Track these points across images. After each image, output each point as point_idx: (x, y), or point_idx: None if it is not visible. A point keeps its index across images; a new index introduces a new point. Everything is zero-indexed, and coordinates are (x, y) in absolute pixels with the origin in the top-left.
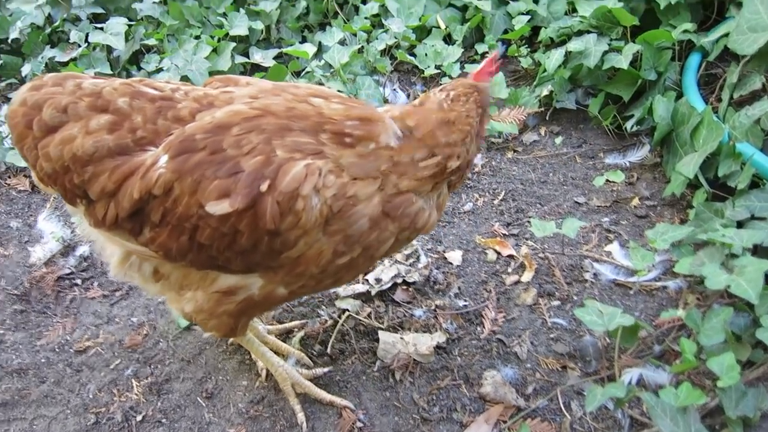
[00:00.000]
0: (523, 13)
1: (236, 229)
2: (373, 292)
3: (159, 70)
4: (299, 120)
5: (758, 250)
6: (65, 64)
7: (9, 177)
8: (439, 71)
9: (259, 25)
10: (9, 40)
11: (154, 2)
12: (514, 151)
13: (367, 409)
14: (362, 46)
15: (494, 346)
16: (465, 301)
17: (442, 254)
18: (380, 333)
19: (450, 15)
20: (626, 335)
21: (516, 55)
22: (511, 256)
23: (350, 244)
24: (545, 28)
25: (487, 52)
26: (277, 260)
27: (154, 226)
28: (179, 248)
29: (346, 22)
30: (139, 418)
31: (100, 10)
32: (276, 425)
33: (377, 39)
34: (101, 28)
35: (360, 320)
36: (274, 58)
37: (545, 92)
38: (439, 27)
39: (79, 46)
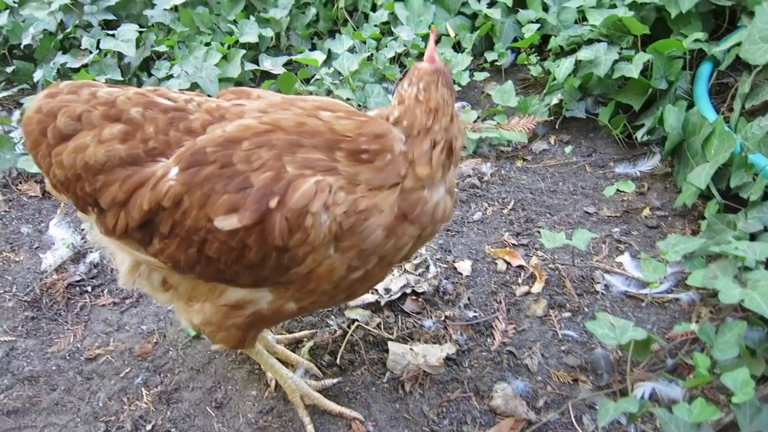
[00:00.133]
0: (532, 22)
1: (244, 243)
2: (383, 302)
3: (169, 77)
4: (310, 136)
5: None
6: (77, 71)
7: (20, 183)
8: None
9: (269, 33)
10: (21, 46)
11: (165, 9)
12: (524, 160)
13: (376, 421)
14: (371, 54)
15: (505, 358)
16: (475, 312)
17: (451, 264)
18: (390, 344)
19: (459, 23)
20: (639, 348)
21: (525, 63)
22: (521, 267)
23: (365, 257)
24: (555, 36)
25: (496, 60)
26: (285, 276)
27: (163, 238)
28: (187, 260)
29: (355, 30)
30: (148, 427)
31: (111, 17)
32: None
33: (386, 47)
34: (113, 35)
35: (369, 330)
36: (284, 66)
37: (555, 101)
38: (448, 35)
39: (91, 52)
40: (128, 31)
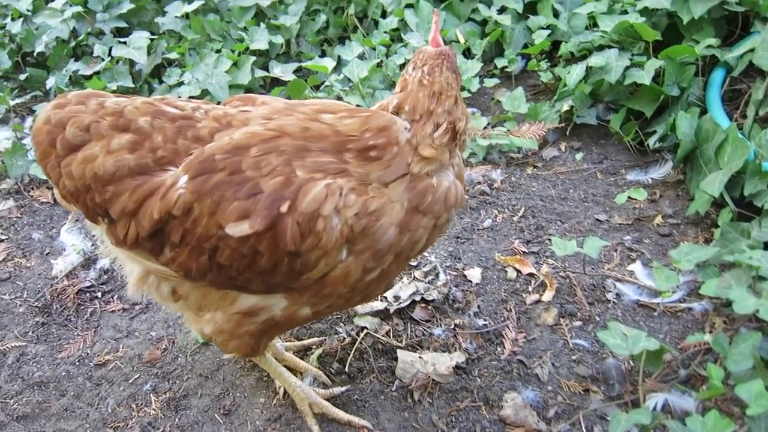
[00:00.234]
0: (543, 28)
1: (256, 250)
2: (392, 310)
3: (180, 84)
4: (317, 140)
5: None
6: (89, 78)
7: (32, 189)
8: None
9: (279, 40)
10: (35, 54)
11: (176, 17)
12: (534, 166)
13: (385, 430)
14: (381, 61)
15: (515, 367)
16: (485, 320)
17: (461, 272)
18: (399, 352)
19: (469, 29)
20: (651, 359)
21: (536, 69)
22: (531, 275)
23: (380, 257)
24: (566, 42)
25: (506, 66)
26: (298, 281)
27: (174, 246)
28: (199, 268)
29: (365, 37)
30: None
31: (123, 24)
32: None
33: (396, 53)
34: (124, 42)
35: (378, 338)
36: (294, 72)
37: (565, 107)
38: (458, 41)
39: (103, 59)
40: (140, 38)
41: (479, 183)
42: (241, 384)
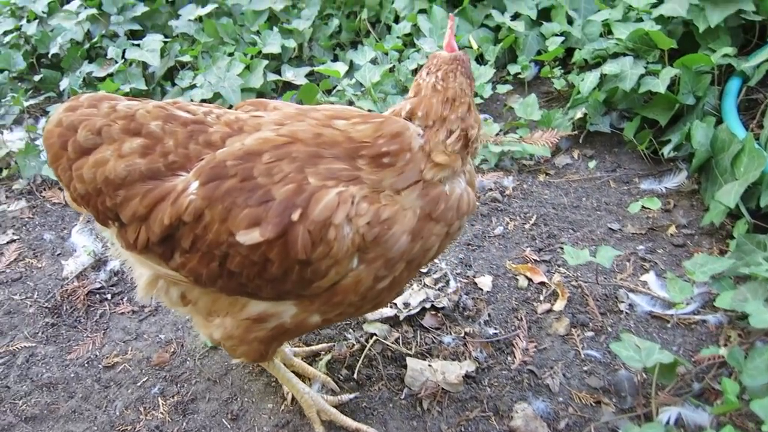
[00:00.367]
0: (557, 35)
1: (266, 257)
2: (402, 317)
3: (192, 87)
4: (330, 147)
5: None
6: (102, 79)
7: (44, 189)
8: None
9: (291, 43)
10: (49, 55)
11: (189, 20)
12: (546, 174)
13: None
14: (393, 66)
15: (525, 377)
16: (495, 329)
17: (471, 279)
18: (408, 359)
19: (483, 35)
20: (664, 372)
21: (549, 76)
22: (542, 284)
23: (391, 266)
24: (579, 49)
25: (519, 73)
26: (308, 289)
27: (185, 252)
28: (209, 274)
29: (377, 41)
30: None
31: (137, 27)
32: None
33: (409, 58)
34: (138, 45)
35: (388, 345)
36: (306, 76)
37: (579, 115)
38: (471, 47)
39: (116, 61)
40: (153, 41)
41: (491, 190)
42: (249, 389)
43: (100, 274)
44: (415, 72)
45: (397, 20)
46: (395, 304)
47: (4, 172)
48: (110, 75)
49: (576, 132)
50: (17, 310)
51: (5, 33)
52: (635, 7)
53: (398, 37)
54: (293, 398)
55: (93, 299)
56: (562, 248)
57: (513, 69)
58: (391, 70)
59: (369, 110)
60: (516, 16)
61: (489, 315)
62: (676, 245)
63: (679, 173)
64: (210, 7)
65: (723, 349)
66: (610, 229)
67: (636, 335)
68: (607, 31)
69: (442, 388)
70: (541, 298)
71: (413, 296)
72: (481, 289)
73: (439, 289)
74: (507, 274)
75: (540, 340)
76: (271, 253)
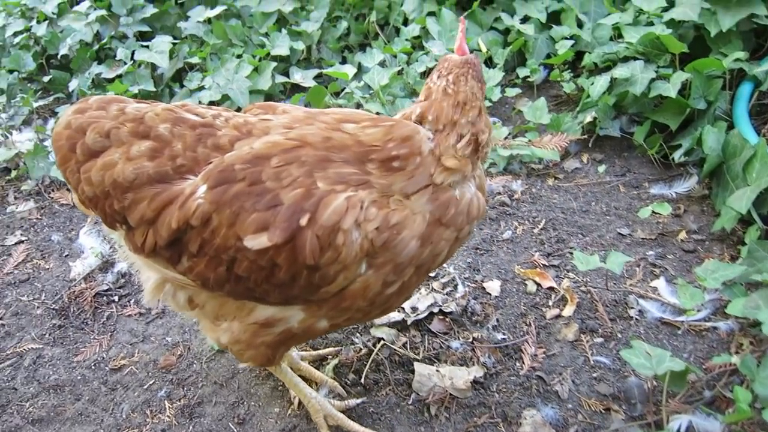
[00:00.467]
0: (566, 38)
1: (274, 262)
2: (409, 321)
3: (201, 88)
4: (339, 151)
5: None
6: (111, 81)
7: (52, 190)
8: None
9: (300, 46)
10: (58, 56)
11: (198, 21)
12: (555, 178)
13: None
14: (402, 68)
15: (534, 383)
16: (503, 334)
17: (480, 284)
18: (416, 364)
19: (492, 38)
20: (675, 379)
21: (558, 80)
22: (551, 289)
23: (400, 271)
24: (589, 53)
25: (528, 76)
26: (316, 294)
27: (192, 256)
28: (216, 279)
29: (386, 44)
30: None
31: (146, 29)
32: None
33: (417, 61)
34: (147, 46)
35: (395, 350)
36: (314, 79)
37: (588, 119)
38: (480, 50)
39: (125, 63)
40: (162, 42)
41: (499, 194)
42: (256, 393)
43: (107, 275)
44: (423, 75)
45: (405, 23)
46: (403, 308)
47: (13, 173)
48: (119, 76)
49: (585, 136)
50: (25, 312)
51: (15, 34)
52: (646, 11)
53: (407, 40)
54: (300, 402)
55: (100, 301)
56: (571, 253)
57: (522, 72)
58: (400, 72)
59: (377, 113)
60: (525, 19)
61: (497, 320)
62: (686, 251)
63: (690, 178)
64: (219, 9)
65: (735, 356)
66: (620, 234)
67: (646, 342)
68: (617, 34)
69: (450, 394)
70: (550, 303)
71: (421, 301)
72: (490, 294)
73: (447, 294)
74: (515, 278)
75: (549, 345)
76: (279, 258)
